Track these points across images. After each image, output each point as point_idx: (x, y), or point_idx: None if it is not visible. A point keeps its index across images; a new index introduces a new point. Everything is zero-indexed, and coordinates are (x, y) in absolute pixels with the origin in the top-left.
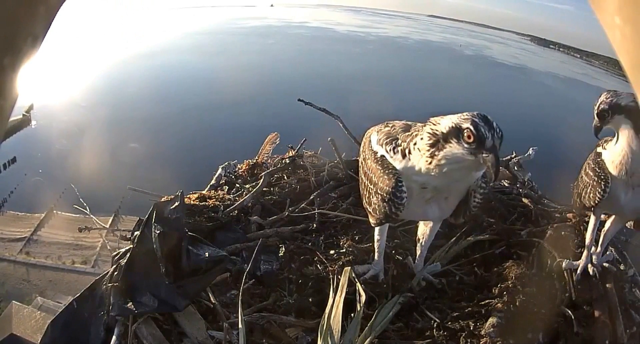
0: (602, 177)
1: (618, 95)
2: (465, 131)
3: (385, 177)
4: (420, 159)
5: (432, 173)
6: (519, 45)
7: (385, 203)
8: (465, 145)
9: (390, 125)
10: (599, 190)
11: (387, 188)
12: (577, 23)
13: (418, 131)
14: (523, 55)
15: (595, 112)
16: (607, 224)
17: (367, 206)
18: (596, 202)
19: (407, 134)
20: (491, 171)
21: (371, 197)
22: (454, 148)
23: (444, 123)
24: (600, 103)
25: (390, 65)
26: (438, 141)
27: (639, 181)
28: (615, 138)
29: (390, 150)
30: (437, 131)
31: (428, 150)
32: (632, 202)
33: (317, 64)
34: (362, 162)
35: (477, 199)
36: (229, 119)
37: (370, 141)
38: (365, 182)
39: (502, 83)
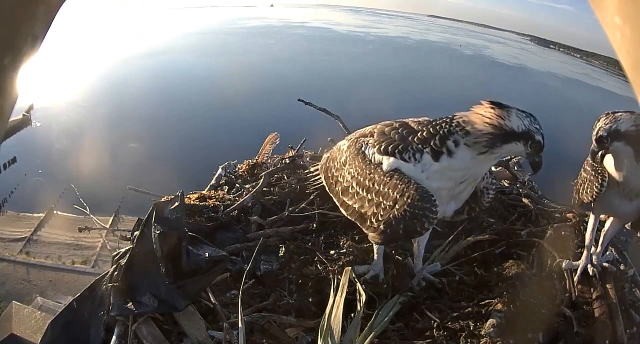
0: (600, 172)
1: (617, 120)
2: (536, 143)
3: (413, 191)
4: (470, 152)
5: (478, 162)
6: (518, 45)
7: (415, 220)
8: (529, 149)
9: (378, 131)
10: (597, 185)
11: (419, 203)
12: (577, 23)
13: (449, 123)
14: (523, 55)
15: (594, 137)
16: (607, 225)
17: (379, 225)
18: (593, 197)
19: (421, 133)
20: (537, 167)
21: (389, 215)
22: (518, 147)
23: (516, 123)
24: (599, 129)
25: (390, 65)
26: (502, 136)
27: (635, 195)
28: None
29: (409, 157)
30: (505, 126)
31: (490, 137)
32: (628, 210)
33: (317, 64)
34: (353, 178)
35: (489, 196)
36: (229, 119)
37: (363, 153)
38: (373, 199)
39: (502, 83)
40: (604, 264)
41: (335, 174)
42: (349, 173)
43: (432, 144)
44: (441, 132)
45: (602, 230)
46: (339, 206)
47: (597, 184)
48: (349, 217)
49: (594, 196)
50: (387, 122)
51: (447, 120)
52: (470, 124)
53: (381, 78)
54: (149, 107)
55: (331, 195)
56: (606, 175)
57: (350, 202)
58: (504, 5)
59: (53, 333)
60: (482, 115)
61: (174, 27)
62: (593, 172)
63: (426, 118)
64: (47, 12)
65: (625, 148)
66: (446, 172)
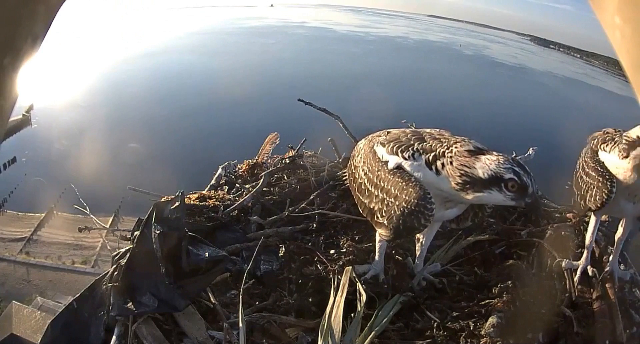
0: (607, 177)
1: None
2: (509, 181)
3: (411, 189)
4: (450, 182)
5: (459, 197)
6: (518, 45)
7: (413, 216)
8: (508, 193)
9: (392, 133)
10: (605, 191)
11: (415, 200)
12: (577, 23)
13: (447, 148)
14: (523, 55)
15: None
16: (620, 230)
17: (384, 220)
18: (601, 204)
19: (427, 144)
20: (536, 213)
21: (391, 210)
22: (494, 195)
23: (481, 169)
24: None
25: (390, 65)
26: (473, 184)
27: (638, 198)
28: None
29: (409, 157)
30: (472, 174)
31: (460, 184)
32: (633, 212)
33: (317, 64)
34: (365, 175)
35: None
36: (229, 119)
37: (374, 152)
38: (379, 195)
39: (502, 83)
40: (607, 268)
41: (353, 171)
42: (362, 170)
43: (428, 156)
44: (438, 150)
45: (615, 235)
46: (357, 203)
47: (605, 191)
48: (363, 213)
49: (602, 203)
50: (404, 129)
51: (450, 141)
52: (455, 158)
53: (381, 78)
54: (149, 108)
55: (352, 193)
56: (614, 180)
57: (362, 198)
58: (504, 5)
59: (53, 333)
60: (457, 158)
61: (174, 27)
62: (600, 178)
63: (444, 131)
64: (47, 12)
65: None
66: (431, 186)
